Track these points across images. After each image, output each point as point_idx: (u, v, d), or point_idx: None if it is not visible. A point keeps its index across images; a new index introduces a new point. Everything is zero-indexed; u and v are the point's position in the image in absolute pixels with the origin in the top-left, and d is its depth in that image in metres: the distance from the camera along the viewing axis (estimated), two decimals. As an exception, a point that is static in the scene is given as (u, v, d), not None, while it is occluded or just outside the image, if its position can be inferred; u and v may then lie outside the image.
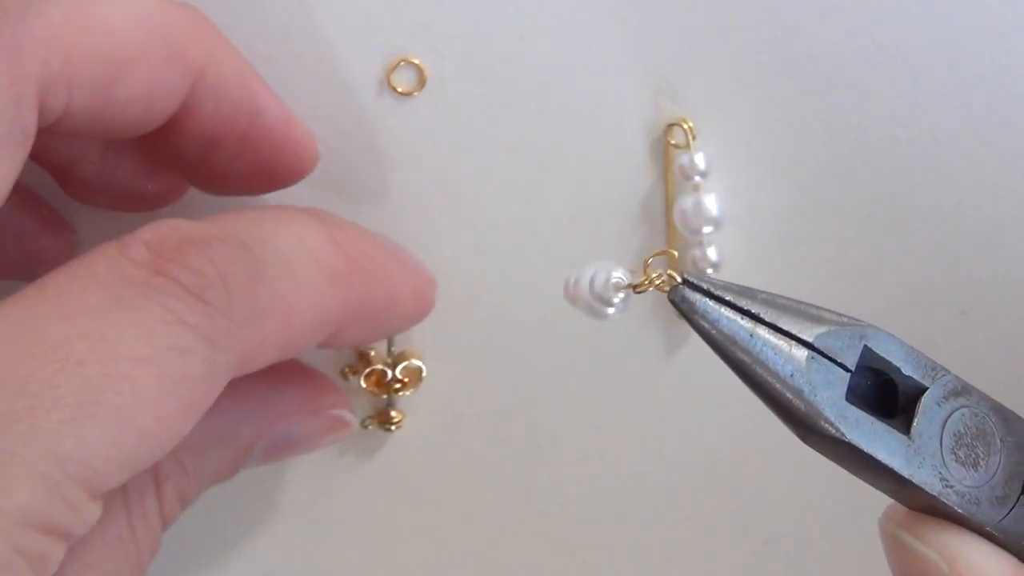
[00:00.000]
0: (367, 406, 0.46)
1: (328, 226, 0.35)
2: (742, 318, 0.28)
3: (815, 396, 0.28)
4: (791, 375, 0.28)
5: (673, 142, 0.44)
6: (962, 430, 0.30)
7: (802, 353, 0.29)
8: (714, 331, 0.28)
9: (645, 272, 0.29)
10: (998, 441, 0.30)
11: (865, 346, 0.30)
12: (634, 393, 0.47)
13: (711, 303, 0.28)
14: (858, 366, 0.29)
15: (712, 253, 0.44)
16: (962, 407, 0.30)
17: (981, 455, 0.30)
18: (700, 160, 0.43)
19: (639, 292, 0.29)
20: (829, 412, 0.28)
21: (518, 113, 0.44)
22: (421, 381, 0.45)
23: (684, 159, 0.43)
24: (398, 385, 0.45)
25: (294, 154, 0.37)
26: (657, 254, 0.30)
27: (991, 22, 0.42)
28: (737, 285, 0.28)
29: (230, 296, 0.30)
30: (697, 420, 0.47)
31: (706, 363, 0.48)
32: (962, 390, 0.31)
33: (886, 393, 0.30)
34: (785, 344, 0.29)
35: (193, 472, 0.35)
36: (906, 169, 0.43)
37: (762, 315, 0.28)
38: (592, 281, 0.30)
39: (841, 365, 0.29)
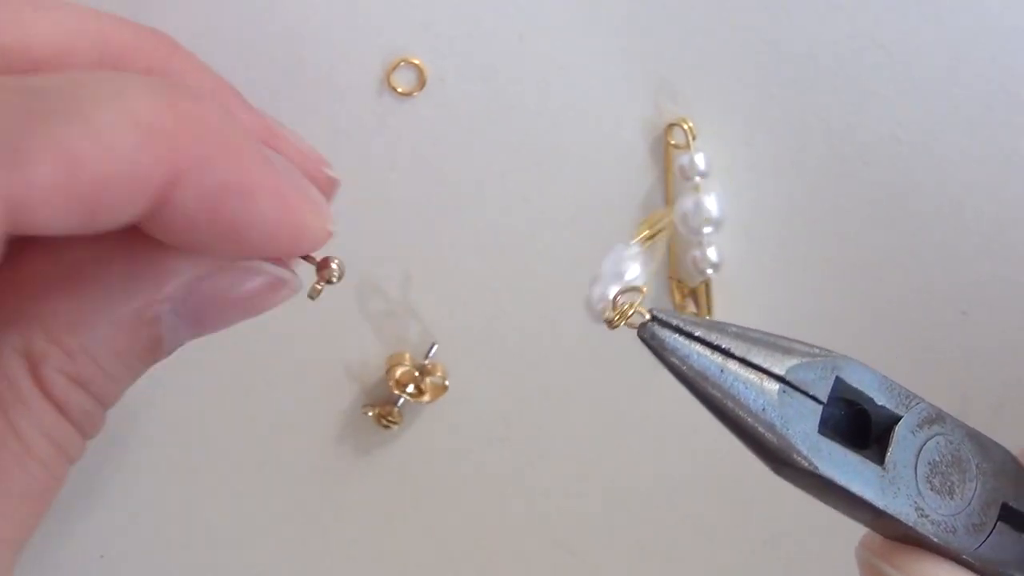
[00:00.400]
0: (370, 398, 0.46)
1: (176, 90, 0.30)
2: (712, 353, 0.28)
3: (787, 429, 0.28)
4: (763, 409, 0.28)
5: (673, 142, 0.44)
6: (937, 458, 0.30)
7: (774, 387, 0.29)
8: (684, 367, 0.28)
9: (615, 308, 0.28)
10: (974, 468, 0.30)
11: (837, 377, 0.29)
12: (634, 393, 0.47)
13: (681, 339, 0.28)
14: (831, 397, 0.29)
15: (712, 253, 0.44)
16: (937, 435, 0.30)
17: (956, 483, 0.30)
18: (700, 160, 0.43)
19: (614, 328, 0.29)
20: (801, 445, 0.28)
21: (518, 113, 0.44)
22: (438, 397, 0.46)
23: (684, 159, 0.43)
24: (415, 391, 0.45)
25: (292, 238, 0.32)
26: (626, 290, 0.29)
27: (991, 22, 0.42)
28: (707, 320, 0.28)
29: None
30: (697, 420, 0.47)
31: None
32: (936, 418, 0.31)
33: (860, 423, 0.30)
34: (756, 378, 0.28)
35: (79, 350, 0.31)
36: (906, 169, 0.43)
37: (732, 350, 0.28)
38: (594, 300, 0.29)
39: (813, 397, 0.29)
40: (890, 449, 0.29)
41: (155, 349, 0.33)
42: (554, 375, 0.46)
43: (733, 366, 0.28)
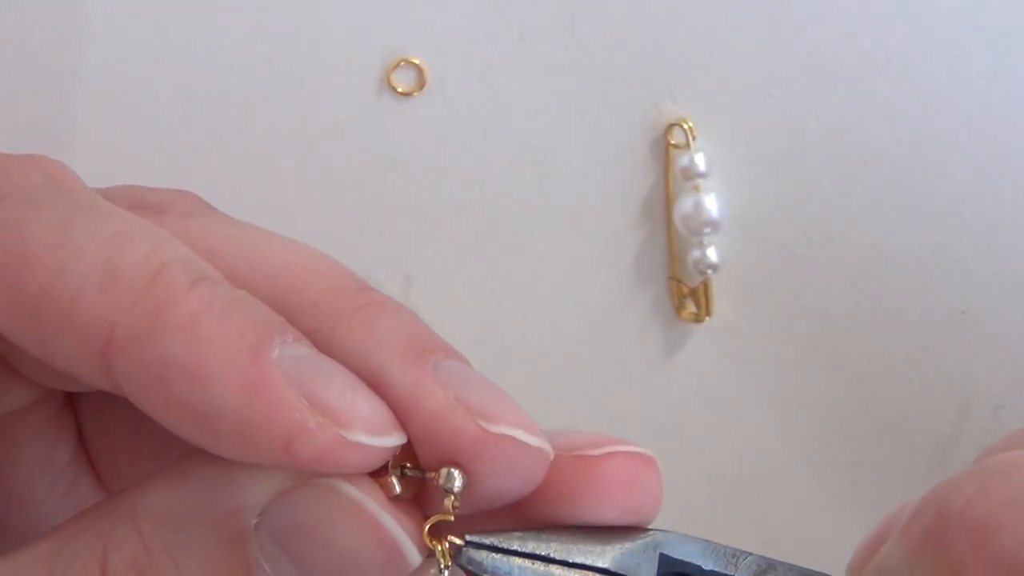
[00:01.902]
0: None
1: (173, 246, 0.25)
2: (533, 563, 0.28)
3: None
4: None
5: (673, 142, 0.44)
6: None
7: None
8: None
9: (431, 544, 0.28)
10: None
11: (661, 554, 0.30)
12: (634, 394, 0.47)
13: (499, 557, 0.28)
14: (659, 575, 0.30)
15: (712, 253, 0.44)
16: None
17: None
18: (700, 160, 0.43)
19: (445, 569, 0.28)
20: None
21: (518, 113, 0.44)
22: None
23: (684, 159, 0.43)
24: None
25: (276, 443, 0.24)
26: (434, 522, 0.27)
27: (991, 22, 0.42)
28: (520, 531, 0.28)
29: None
30: (697, 420, 0.47)
31: (706, 363, 0.48)
32: (767, 567, 0.31)
33: None
34: None
35: (160, 549, 0.26)
36: (906, 169, 0.43)
37: (552, 555, 0.28)
38: None
39: None
40: None
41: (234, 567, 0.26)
42: (554, 375, 0.46)
43: (557, 570, 0.28)
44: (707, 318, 0.45)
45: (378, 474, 0.26)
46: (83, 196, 0.27)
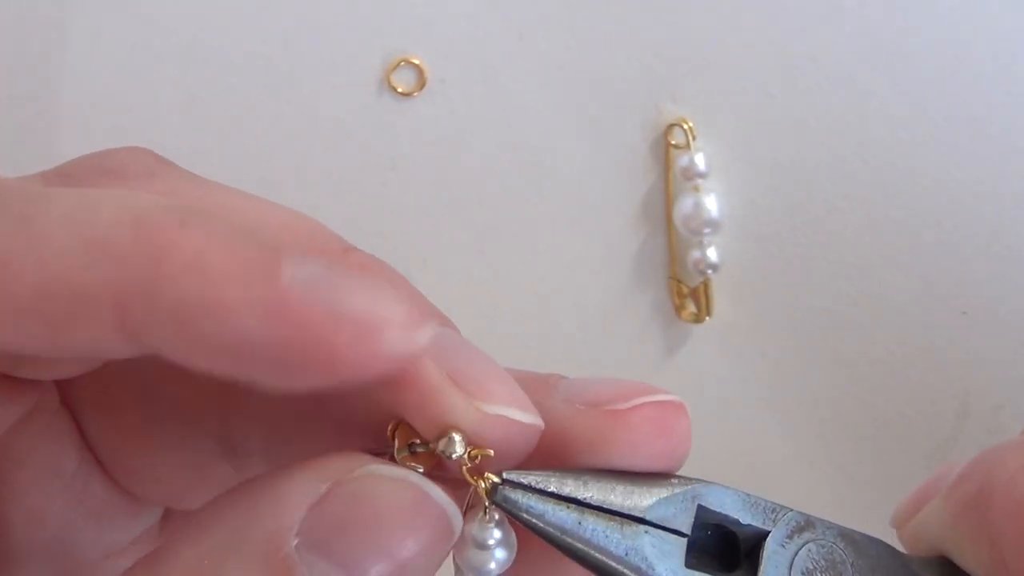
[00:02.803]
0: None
1: (160, 212, 0.24)
2: (569, 507, 0.28)
3: (653, 570, 0.28)
4: (626, 554, 0.28)
5: (673, 142, 0.44)
6: (811, 566, 0.30)
7: (634, 529, 0.28)
8: (543, 524, 0.28)
9: (472, 480, 0.27)
10: (849, 568, 0.30)
11: (699, 505, 0.29)
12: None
13: (535, 498, 0.28)
14: (695, 527, 0.29)
15: (712, 253, 0.44)
16: (808, 542, 0.31)
17: None
18: (700, 160, 0.43)
19: (471, 510, 0.27)
20: None
21: (518, 113, 0.44)
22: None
23: (684, 159, 0.43)
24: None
25: (321, 359, 0.24)
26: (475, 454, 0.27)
27: (991, 22, 0.42)
28: (558, 471, 0.28)
29: None
30: (697, 420, 0.47)
31: (706, 363, 0.48)
32: (806, 524, 0.31)
33: (730, 545, 0.30)
34: (617, 524, 0.28)
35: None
36: (906, 169, 0.43)
37: (590, 499, 0.28)
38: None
39: (677, 532, 0.29)
40: (762, 566, 0.30)
41: None
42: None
43: (591, 516, 0.28)
44: (707, 318, 0.45)
45: (388, 456, 0.26)
46: (28, 189, 0.26)
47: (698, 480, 0.29)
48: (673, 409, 0.29)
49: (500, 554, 0.26)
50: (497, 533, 0.27)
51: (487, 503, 0.26)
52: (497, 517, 0.26)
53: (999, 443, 0.28)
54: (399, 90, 0.43)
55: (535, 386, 0.28)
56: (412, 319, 0.24)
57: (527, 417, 0.27)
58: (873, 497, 0.46)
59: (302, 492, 0.24)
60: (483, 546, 0.26)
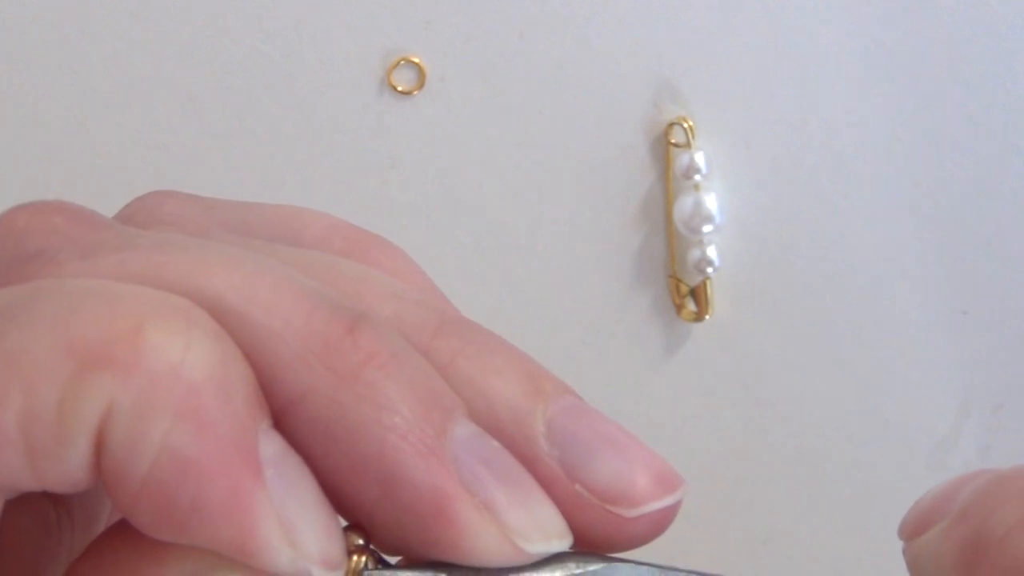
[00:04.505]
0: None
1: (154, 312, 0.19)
2: None
3: None
4: None
5: (673, 141, 0.44)
6: None
7: None
8: None
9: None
10: None
11: None
12: (634, 394, 0.47)
13: None
14: None
15: (712, 253, 0.44)
16: None
17: None
18: (700, 160, 0.43)
19: None
20: None
21: (518, 113, 0.44)
22: None
23: (684, 159, 0.43)
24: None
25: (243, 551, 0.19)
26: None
27: (991, 22, 0.42)
28: (429, 567, 0.24)
29: None
30: (697, 420, 0.47)
31: (706, 363, 0.48)
32: None
33: None
34: None
35: None
36: (906, 169, 0.43)
37: None
38: None
39: None
40: None
41: None
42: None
43: None
44: (707, 317, 0.45)
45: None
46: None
47: (599, 558, 0.25)
48: (675, 509, 0.25)
49: None
50: None
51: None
52: None
53: (1008, 471, 0.26)
54: (399, 89, 0.43)
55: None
56: (338, 558, 0.20)
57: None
58: (872, 497, 0.46)
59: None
60: None
